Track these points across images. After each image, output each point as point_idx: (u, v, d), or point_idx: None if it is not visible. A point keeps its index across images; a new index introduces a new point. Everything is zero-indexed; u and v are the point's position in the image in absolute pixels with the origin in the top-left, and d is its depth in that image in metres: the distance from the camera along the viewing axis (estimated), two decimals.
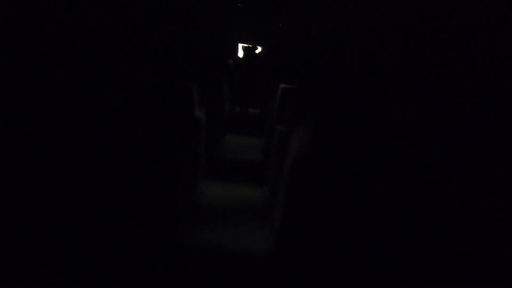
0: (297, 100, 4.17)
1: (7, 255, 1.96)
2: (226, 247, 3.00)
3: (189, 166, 3.82)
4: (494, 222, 1.75)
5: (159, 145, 3.22)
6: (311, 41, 4.63)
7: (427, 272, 1.91)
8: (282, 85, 5.54)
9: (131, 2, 4.32)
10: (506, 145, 1.96)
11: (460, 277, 1.70)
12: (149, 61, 3.52)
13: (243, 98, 10.67)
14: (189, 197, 3.81)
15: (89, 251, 2.42)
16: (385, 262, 2.08)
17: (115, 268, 2.45)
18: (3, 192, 2.11)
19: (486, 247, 1.72)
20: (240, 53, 11.63)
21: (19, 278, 1.88)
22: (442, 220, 2.07)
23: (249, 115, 9.47)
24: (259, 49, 11.61)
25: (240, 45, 11.90)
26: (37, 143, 2.32)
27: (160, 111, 3.49)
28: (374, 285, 2.24)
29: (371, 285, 2.26)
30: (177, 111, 3.71)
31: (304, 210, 2.92)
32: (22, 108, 2.45)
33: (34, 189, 2.25)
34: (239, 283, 2.51)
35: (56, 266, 2.15)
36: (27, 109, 2.47)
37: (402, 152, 2.76)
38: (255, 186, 4.65)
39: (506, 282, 1.64)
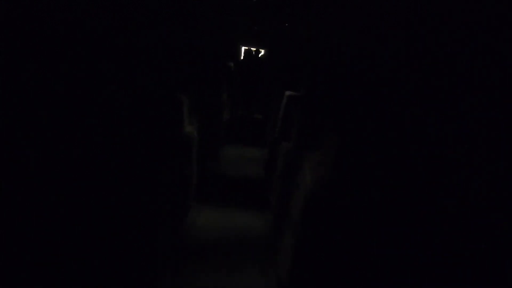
0: (306, 111, 3.46)
1: None
2: None
3: (176, 192, 3.10)
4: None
5: (137, 171, 2.50)
6: (322, 42, 3.89)
7: None
8: (288, 92, 4.81)
9: None
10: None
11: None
12: (128, 66, 2.82)
13: (245, 103, 9.97)
14: (175, 231, 3.09)
15: None
16: None
17: None
18: None
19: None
20: (242, 56, 10.94)
21: None
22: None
23: (252, 120, 8.76)
24: (262, 52, 10.90)
25: (242, 48, 11.21)
26: None
27: (140, 128, 2.78)
28: None
29: None
30: (162, 127, 3.00)
31: (320, 265, 2.20)
32: None
33: None
34: None
35: None
36: None
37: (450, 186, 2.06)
38: (257, 212, 3.94)
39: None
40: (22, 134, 2.27)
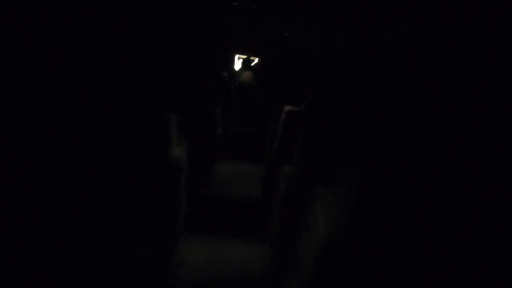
0: (311, 132, 3.03)
1: None
2: None
3: (160, 228, 2.63)
4: None
5: (111, 209, 2.04)
6: (328, 46, 3.47)
7: None
8: (287, 108, 4.38)
9: None
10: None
11: None
12: (97, 83, 2.36)
13: (241, 116, 9.53)
14: (159, 274, 2.60)
15: None
16: None
17: None
18: None
19: None
20: (237, 65, 10.52)
21: None
22: None
23: (248, 134, 8.30)
24: (255, 61, 10.50)
25: (236, 57, 10.80)
26: None
27: (115, 157, 2.31)
28: None
29: None
30: (144, 154, 2.53)
31: None
32: None
33: None
34: None
35: None
36: None
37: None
38: (254, 243, 3.47)
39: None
40: None
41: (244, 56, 9.92)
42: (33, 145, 2.00)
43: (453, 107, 1.85)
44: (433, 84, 1.97)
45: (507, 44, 1.54)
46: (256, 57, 9.95)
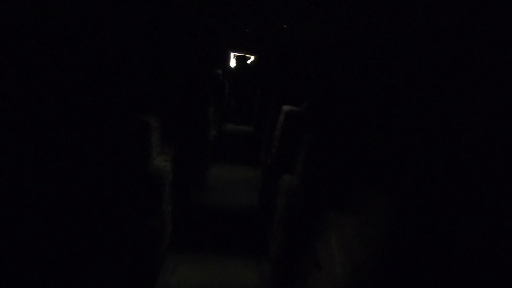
0: (315, 137, 2.58)
1: None
2: None
3: (137, 253, 2.18)
4: None
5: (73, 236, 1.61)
6: (338, 40, 3.03)
7: None
8: (286, 108, 3.93)
9: None
10: None
11: None
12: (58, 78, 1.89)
13: (236, 115, 9.09)
14: None
15: None
16: None
17: None
18: None
19: None
20: (232, 63, 10.03)
21: None
22: None
23: (243, 134, 7.84)
24: (252, 58, 10.02)
25: (232, 54, 10.30)
26: None
27: (79, 172, 1.87)
28: None
29: None
30: (116, 163, 2.08)
31: None
32: None
33: None
34: None
35: None
36: None
37: None
38: (250, 262, 3.03)
39: None
40: None
41: (240, 54, 9.45)
42: None
43: None
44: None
45: None
46: (251, 54, 9.46)
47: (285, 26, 3.52)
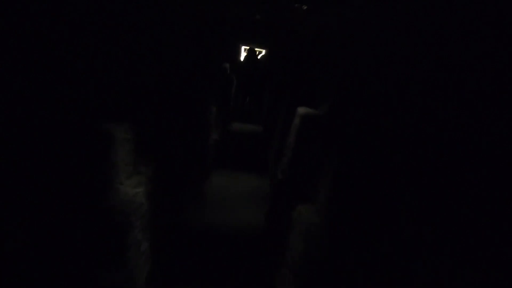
0: (346, 154, 1.84)
1: None
2: None
3: None
4: None
5: None
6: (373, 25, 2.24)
7: None
8: (302, 110, 3.18)
9: None
10: None
11: None
12: None
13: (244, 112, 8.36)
14: None
15: None
16: None
17: None
18: None
19: None
20: (242, 57, 9.26)
21: None
22: None
23: (250, 134, 7.10)
24: (263, 53, 9.22)
25: (242, 48, 9.50)
26: None
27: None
28: None
29: None
30: (67, 195, 1.38)
31: None
32: None
33: None
34: None
35: None
36: None
37: None
38: None
39: None
40: None
41: (249, 47, 8.68)
42: None
43: None
44: None
45: None
46: (261, 47, 8.63)
47: (305, 7, 2.77)
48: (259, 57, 8.89)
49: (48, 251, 1.43)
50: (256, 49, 8.74)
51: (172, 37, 2.74)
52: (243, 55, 9.33)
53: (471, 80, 1.40)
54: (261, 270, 2.81)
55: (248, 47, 8.74)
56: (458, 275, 1.08)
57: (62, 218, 1.44)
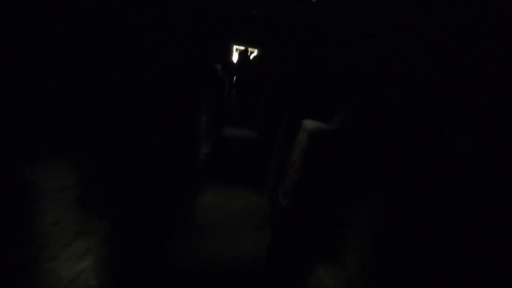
0: (394, 195, 1.25)
1: None
2: None
3: None
4: None
5: None
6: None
7: None
8: (309, 124, 2.59)
9: None
10: None
11: None
12: None
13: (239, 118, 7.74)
14: None
15: None
16: None
17: None
18: None
19: None
20: (235, 57, 8.62)
21: None
22: None
23: (246, 142, 6.48)
24: (255, 53, 8.58)
25: (234, 48, 8.85)
26: None
27: None
28: None
29: None
30: None
31: None
32: None
33: None
34: None
35: None
36: None
37: None
38: None
39: None
40: None
41: (242, 48, 8.05)
42: None
43: None
44: None
45: None
46: (257, 47, 7.99)
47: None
48: (251, 56, 8.28)
49: None
50: (248, 49, 8.12)
51: (149, 32, 2.11)
52: (235, 55, 8.70)
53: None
54: None
55: (241, 48, 8.12)
56: None
57: None
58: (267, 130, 5.52)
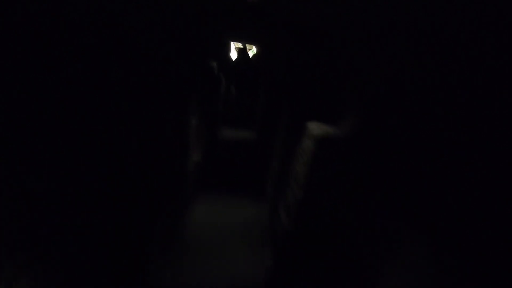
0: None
1: None
2: None
3: None
4: None
5: None
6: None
7: None
8: (316, 129, 2.16)
9: None
10: None
11: None
12: None
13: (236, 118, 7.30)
14: None
15: None
16: None
17: None
18: None
19: None
20: (233, 53, 8.15)
21: None
22: None
23: (243, 145, 6.05)
24: (254, 50, 8.11)
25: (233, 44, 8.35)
26: None
27: None
28: None
29: None
30: None
31: None
32: None
33: None
34: None
35: None
36: None
37: None
38: None
39: None
40: None
41: (240, 45, 7.60)
42: None
43: None
44: None
45: None
46: (255, 42, 7.48)
47: None
48: (250, 55, 7.83)
49: None
50: (247, 46, 7.67)
51: (136, 24, 1.68)
52: (233, 51, 8.23)
53: None
54: None
55: (240, 46, 7.67)
56: None
57: None
58: (266, 130, 5.08)
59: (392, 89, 1.77)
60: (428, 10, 1.27)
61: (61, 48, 1.31)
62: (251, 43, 7.56)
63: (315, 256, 2.03)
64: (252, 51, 8.12)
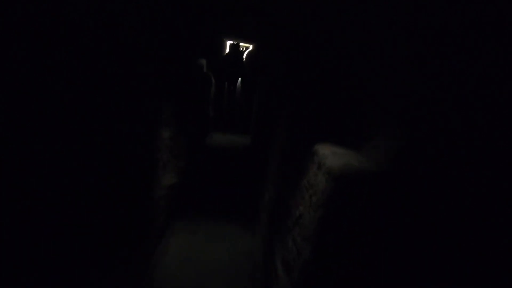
0: None
1: None
2: None
3: None
4: None
5: None
6: None
7: None
8: (327, 154, 1.42)
9: None
10: None
11: None
12: None
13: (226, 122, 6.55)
14: None
15: None
16: None
17: None
18: None
19: None
20: (226, 51, 7.36)
21: None
22: None
23: (233, 149, 5.31)
24: (250, 48, 7.30)
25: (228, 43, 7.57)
26: None
27: None
28: None
29: None
30: None
31: None
32: None
33: None
34: None
35: None
36: None
37: None
38: None
39: None
40: None
41: (234, 42, 6.81)
42: None
43: None
44: None
45: None
46: (249, 41, 6.64)
47: None
48: (245, 53, 7.06)
49: None
50: (241, 44, 6.89)
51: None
52: (227, 49, 7.45)
53: None
54: None
55: (233, 42, 6.88)
56: None
57: None
58: (261, 134, 4.34)
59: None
60: None
61: None
62: (247, 41, 6.69)
63: None
64: (248, 49, 7.35)
